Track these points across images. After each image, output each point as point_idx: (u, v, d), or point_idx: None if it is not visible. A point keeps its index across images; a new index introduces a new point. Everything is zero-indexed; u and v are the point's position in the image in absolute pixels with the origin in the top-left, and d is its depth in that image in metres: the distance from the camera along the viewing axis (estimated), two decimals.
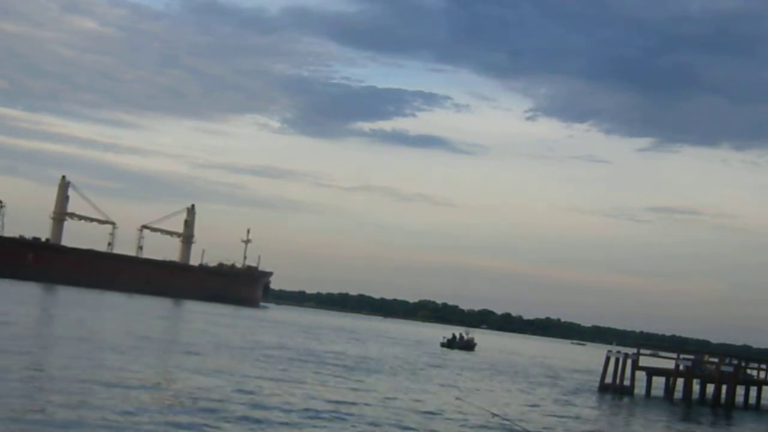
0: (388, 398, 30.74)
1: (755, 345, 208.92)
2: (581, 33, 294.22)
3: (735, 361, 49.54)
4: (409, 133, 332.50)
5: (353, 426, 23.43)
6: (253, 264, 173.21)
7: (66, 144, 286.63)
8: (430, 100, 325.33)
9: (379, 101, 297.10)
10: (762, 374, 54.07)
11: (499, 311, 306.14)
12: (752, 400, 51.58)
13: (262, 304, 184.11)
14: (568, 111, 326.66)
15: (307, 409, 25.21)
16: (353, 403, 27.81)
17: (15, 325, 43.69)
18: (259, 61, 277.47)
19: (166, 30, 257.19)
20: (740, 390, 49.86)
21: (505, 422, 21.66)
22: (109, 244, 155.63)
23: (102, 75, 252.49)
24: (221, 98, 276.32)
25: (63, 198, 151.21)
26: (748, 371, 52.78)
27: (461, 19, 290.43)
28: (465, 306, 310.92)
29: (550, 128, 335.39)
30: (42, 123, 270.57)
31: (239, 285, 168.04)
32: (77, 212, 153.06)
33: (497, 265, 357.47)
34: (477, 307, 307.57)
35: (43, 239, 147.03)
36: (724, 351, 76.54)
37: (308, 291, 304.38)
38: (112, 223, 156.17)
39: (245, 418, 22.22)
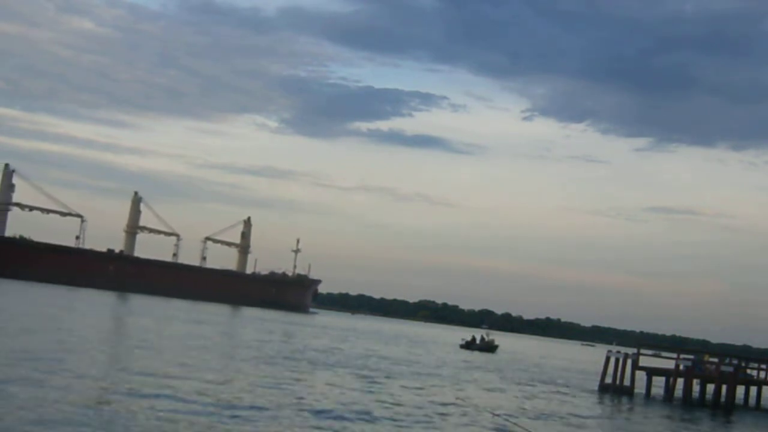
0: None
1: (755, 345, 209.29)
2: (577, 33, 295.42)
3: (735, 361, 49.47)
4: (407, 133, 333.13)
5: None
6: (303, 272, 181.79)
7: (65, 144, 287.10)
8: (427, 100, 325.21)
9: (376, 101, 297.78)
10: (762, 374, 54.00)
11: (499, 311, 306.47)
12: (752, 400, 51.54)
13: (311, 310, 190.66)
14: (565, 111, 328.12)
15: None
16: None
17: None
18: (257, 62, 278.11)
19: (163, 30, 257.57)
20: (740, 390, 49.81)
21: (505, 422, 21.65)
22: (174, 254, 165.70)
23: (100, 75, 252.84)
24: (219, 98, 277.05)
25: (135, 212, 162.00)
26: (748, 371, 52.73)
27: (457, 19, 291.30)
28: (465, 306, 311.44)
29: (547, 128, 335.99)
30: (40, 123, 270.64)
31: (291, 292, 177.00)
32: (147, 225, 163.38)
33: (497, 265, 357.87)
34: (477, 307, 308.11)
35: (117, 251, 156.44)
36: (724, 351, 76.55)
37: None
38: (177, 235, 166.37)
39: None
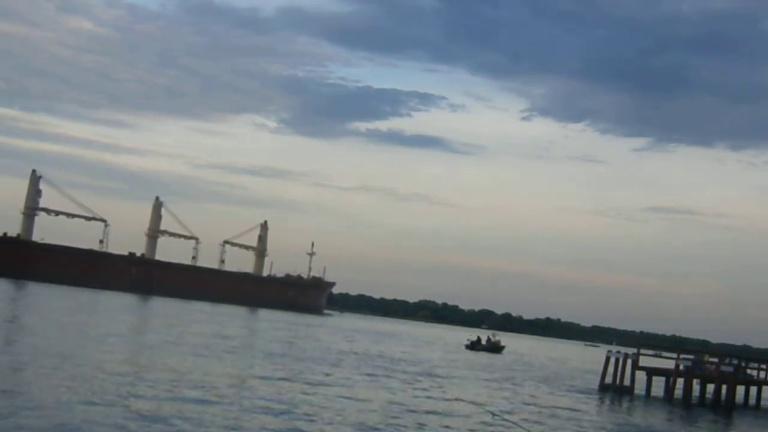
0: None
1: (755, 345, 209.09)
2: (576, 33, 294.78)
3: (735, 361, 49.52)
4: (405, 133, 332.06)
5: None
6: (317, 274, 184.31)
7: (64, 144, 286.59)
8: (426, 100, 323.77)
9: (375, 101, 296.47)
10: (762, 374, 54.06)
11: (499, 311, 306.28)
12: (752, 400, 51.58)
13: (326, 311, 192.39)
14: (564, 111, 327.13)
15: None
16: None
17: None
18: (256, 62, 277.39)
19: (162, 30, 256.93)
20: (740, 390, 49.84)
21: (504, 422, 21.70)
22: (193, 257, 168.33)
23: (99, 75, 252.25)
24: (218, 98, 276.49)
25: (156, 217, 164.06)
26: (748, 371, 52.77)
27: (456, 19, 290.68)
28: (465, 306, 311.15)
29: (545, 128, 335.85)
30: (40, 123, 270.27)
31: (307, 294, 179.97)
32: (168, 229, 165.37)
33: (497, 265, 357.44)
34: (477, 307, 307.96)
35: (138, 254, 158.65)
36: (724, 351, 76.53)
37: None
38: (196, 239, 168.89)
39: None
